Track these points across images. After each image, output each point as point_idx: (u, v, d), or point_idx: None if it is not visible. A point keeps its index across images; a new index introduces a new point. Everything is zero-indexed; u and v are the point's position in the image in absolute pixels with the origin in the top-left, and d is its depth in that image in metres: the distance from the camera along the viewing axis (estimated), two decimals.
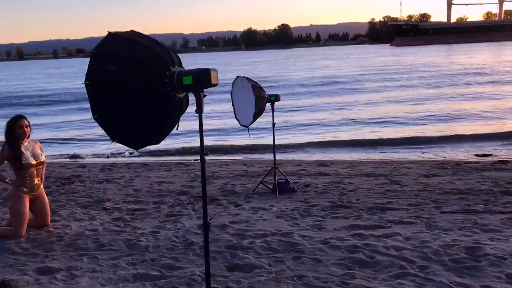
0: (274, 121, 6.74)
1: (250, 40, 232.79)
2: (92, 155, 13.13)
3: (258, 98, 6.24)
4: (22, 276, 3.88)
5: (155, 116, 2.67)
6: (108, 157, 12.71)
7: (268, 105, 6.56)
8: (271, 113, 6.68)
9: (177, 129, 3.12)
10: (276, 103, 6.59)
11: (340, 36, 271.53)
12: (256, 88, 6.28)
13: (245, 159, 11.38)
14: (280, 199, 6.30)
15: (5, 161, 4.89)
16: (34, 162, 4.93)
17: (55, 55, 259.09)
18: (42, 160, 5.03)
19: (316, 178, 7.97)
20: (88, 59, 2.65)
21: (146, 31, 2.81)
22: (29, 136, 4.94)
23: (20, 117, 4.90)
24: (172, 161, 11.17)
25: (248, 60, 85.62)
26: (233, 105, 6.68)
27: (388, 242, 4.34)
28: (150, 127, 2.71)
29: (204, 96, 2.66)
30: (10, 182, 4.91)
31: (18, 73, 75.21)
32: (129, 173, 9.05)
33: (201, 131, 2.69)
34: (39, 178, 5.05)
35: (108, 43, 2.65)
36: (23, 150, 4.88)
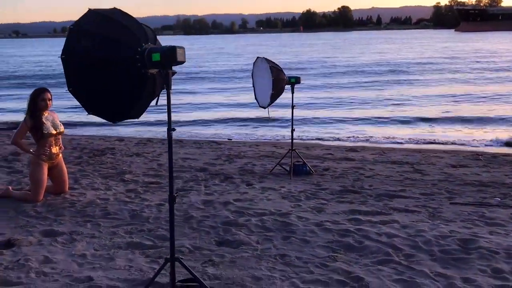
0: (294, 104, 6.74)
1: (309, 22, 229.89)
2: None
3: (276, 80, 6.26)
4: (27, 236, 4.18)
5: (127, 92, 2.78)
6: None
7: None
8: (291, 95, 6.68)
9: (156, 104, 3.24)
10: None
11: (402, 20, 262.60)
12: (275, 69, 6.30)
13: (277, 142, 11.41)
14: (293, 181, 6.34)
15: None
16: (54, 132, 5.22)
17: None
18: (61, 130, 5.33)
19: (339, 162, 7.92)
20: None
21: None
22: (50, 107, 5.24)
23: (44, 90, 5.19)
24: (206, 139, 11.39)
25: (305, 42, 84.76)
26: (253, 86, 6.74)
27: (382, 228, 4.31)
28: (123, 102, 2.83)
29: (173, 73, 2.74)
30: (33, 152, 5.23)
31: None
32: (160, 149, 9.32)
33: (169, 107, 2.78)
34: (57, 147, 5.35)
35: (86, 20, 2.79)
36: (44, 120, 5.17)
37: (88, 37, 2.72)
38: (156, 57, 2.66)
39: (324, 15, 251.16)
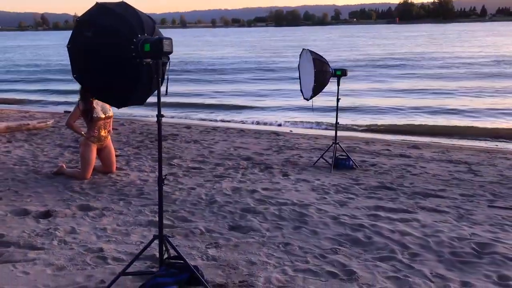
0: (339, 97, 6.68)
1: (405, 13, 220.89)
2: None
3: (318, 72, 6.26)
4: (65, 209, 4.63)
5: (124, 80, 3.02)
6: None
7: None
8: (337, 88, 6.63)
9: (166, 94, 3.46)
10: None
11: (511, 11, 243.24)
12: (318, 61, 6.29)
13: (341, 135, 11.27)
14: (332, 174, 6.32)
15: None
16: (103, 116, 5.67)
17: (213, 23, 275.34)
18: (110, 114, 5.77)
19: (391, 159, 7.72)
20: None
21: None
22: None
23: None
24: (269, 130, 11.57)
25: (402, 34, 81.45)
26: (299, 78, 6.79)
27: (399, 226, 4.22)
28: (123, 90, 3.08)
29: (164, 62, 2.93)
30: (84, 134, 5.72)
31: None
32: (220, 137, 9.65)
33: (158, 94, 2.97)
34: (106, 131, 5.80)
35: (91, 12, 3.06)
36: (94, 105, 5.64)
37: (90, 28, 2.98)
38: (147, 47, 2.86)
39: (422, 5, 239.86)
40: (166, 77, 3.43)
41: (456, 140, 10.94)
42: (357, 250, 3.79)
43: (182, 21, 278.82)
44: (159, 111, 3.02)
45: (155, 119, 2.98)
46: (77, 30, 3.03)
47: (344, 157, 6.84)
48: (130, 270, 3.15)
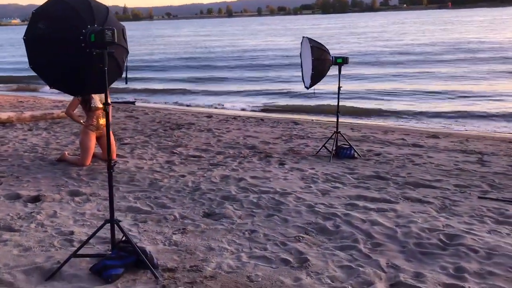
0: (341, 85, 6.59)
1: None
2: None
3: (316, 60, 6.20)
4: (54, 194, 4.84)
5: (76, 69, 3.13)
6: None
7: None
8: (338, 76, 6.54)
9: (126, 83, 3.57)
10: None
11: None
12: (316, 49, 6.22)
13: (355, 125, 11.12)
14: (331, 163, 6.26)
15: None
16: (100, 105, 5.86)
17: (259, 12, 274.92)
18: None
19: (401, 148, 7.55)
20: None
21: None
22: None
23: None
24: (289, 119, 11.54)
25: (455, 19, 78.21)
26: (301, 66, 6.74)
27: (372, 216, 4.16)
28: (76, 78, 3.19)
29: (125, 53, 3.04)
30: (83, 122, 5.94)
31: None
32: (235, 126, 9.72)
33: (105, 84, 3.06)
34: (105, 119, 5.98)
35: (46, 4, 3.17)
36: (92, 95, 5.83)
37: (43, 20, 3.10)
38: (92, 38, 2.96)
39: None
40: (125, 66, 3.53)
41: None
42: (322, 238, 3.77)
43: (228, 10, 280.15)
44: (106, 99, 3.11)
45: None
46: (32, 22, 3.15)
47: (346, 146, 6.75)
48: (87, 253, 3.29)
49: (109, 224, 3.25)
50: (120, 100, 15.23)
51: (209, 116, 11.58)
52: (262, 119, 11.13)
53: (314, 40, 6.33)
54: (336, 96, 6.74)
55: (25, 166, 5.95)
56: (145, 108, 13.29)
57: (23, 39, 3.16)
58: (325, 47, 6.40)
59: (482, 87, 15.84)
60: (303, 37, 6.54)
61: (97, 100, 5.85)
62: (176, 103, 15.54)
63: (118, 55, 3.30)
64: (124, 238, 3.30)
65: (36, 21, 3.13)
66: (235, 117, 11.49)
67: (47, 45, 3.12)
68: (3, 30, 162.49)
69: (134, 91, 18.43)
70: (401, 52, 28.01)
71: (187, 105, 14.88)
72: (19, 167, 5.89)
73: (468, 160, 6.63)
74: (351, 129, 9.94)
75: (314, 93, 6.82)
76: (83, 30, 3.02)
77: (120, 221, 3.32)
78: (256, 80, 20.72)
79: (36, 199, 4.71)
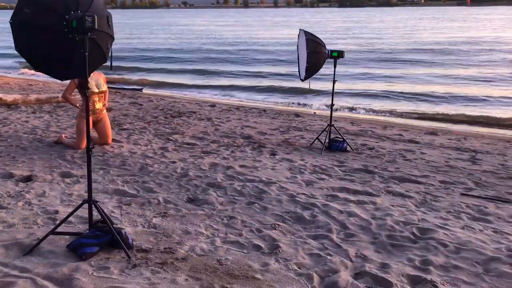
0: (336, 79, 6.64)
1: None
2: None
3: (311, 53, 6.25)
4: (46, 174, 4.99)
5: (61, 54, 3.24)
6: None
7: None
8: (333, 70, 6.59)
9: (111, 69, 3.68)
10: None
11: None
12: (311, 42, 6.28)
13: (355, 118, 11.14)
14: (322, 155, 6.33)
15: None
16: (96, 90, 5.99)
17: (275, 4, 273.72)
18: (103, 89, 6.08)
19: (396, 144, 7.59)
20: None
21: None
22: None
23: None
24: (291, 111, 11.59)
25: (477, 16, 76.87)
26: (298, 59, 6.80)
27: (350, 207, 4.24)
28: (60, 62, 3.30)
29: (109, 39, 3.15)
30: (79, 106, 6.07)
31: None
32: (236, 116, 9.81)
33: (85, 69, 3.17)
34: (101, 104, 6.12)
35: None
36: (88, 79, 5.94)
37: (29, 5, 3.21)
38: (74, 23, 3.07)
39: None
40: (110, 53, 3.64)
41: None
42: (297, 227, 3.86)
43: (245, 1, 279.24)
44: (86, 87, 3.23)
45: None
46: (18, 7, 3.26)
47: (339, 139, 6.81)
48: (68, 231, 3.43)
49: (87, 204, 3.36)
50: (127, 87, 15.39)
51: (213, 105, 11.67)
52: (264, 110, 11.19)
53: (310, 33, 6.38)
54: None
55: (23, 147, 6.11)
56: (150, 95, 13.42)
57: (10, 22, 3.27)
58: (320, 40, 6.44)
59: None
60: (299, 29, 6.59)
61: (93, 84, 5.97)
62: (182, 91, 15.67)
63: (101, 41, 3.41)
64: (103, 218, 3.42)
65: (22, 6, 3.24)
66: (238, 107, 11.57)
67: (32, 30, 3.23)
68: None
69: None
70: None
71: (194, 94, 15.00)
72: (17, 148, 6.06)
73: (460, 158, 6.66)
74: (351, 123, 9.97)
75: (309, 87, 6.86)
76: (66, 16, 3.13)
77: (97, 201, 3.44)
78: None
79: (28, 179, 4.86)
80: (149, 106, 10.51)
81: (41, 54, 3.30)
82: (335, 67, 6.59)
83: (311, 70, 6.37)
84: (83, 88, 5.78)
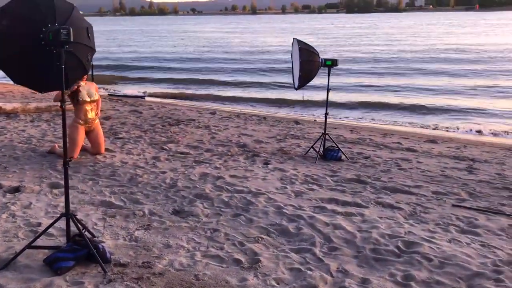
0: (329, 87, 6.58)
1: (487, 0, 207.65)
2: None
3: (304, 62, 6.21)
4: (35, 185, 4.98)
5: (39, 66, 3.23)
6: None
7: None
8: (327, 78, 6.54)
9: (92, 80, 3.65)
10: None
11: None
12: (305, 51, 6.24)
13: (354, 126, 11.07)
14: (316, 165, 6.28)
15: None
16: (88, 99, 5.99)
17: (283, 10, 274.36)
18: (95, 98, 6.07)
19: (393, 152, 7.51)
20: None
21: None
22: (85, 79, 6.00)
23: None
24: (291, 118, 11.54)
25: (487, 22, 76.12)
26: (292, 67, 6.76)
27: (337, 219, 4.17)
28: (40, 75, 3.29)
29: (90, 51, 3.13)
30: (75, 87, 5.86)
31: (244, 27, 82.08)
32: (235, 124, 9.77)
33: (62, 82, 3.15)
34: (93, 113, 6.11)
35: (11, 2, 3.27)
36: (80, 89, 5.96)
37: (8, 17, 3.20)
38: (50, 36, 3.05)
39: None
40: (91, 64, 3.62)
41: None
42: (281, 240, 3.81)
43: (253, 8, 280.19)
44: (62, 97, 3.21)
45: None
46: None
47: (334, 148, 6.75)
48: (48, 244, 3.40)
49: (65, 217, 3.34)
50: (130, 95, 15.42)
51: (213, 112, 11.65)
52: (264, 118, 11.16)
53: (303, 42, 6.34)
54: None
55: (16, 157, 6.12)
56: (152, 103, 13.44)
57: None
58: (314, 48, 6.40)
59: None
60: (293, 38, 6.56)
61: (85, 94, 5.97)
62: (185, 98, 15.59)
63: (80, 53, 3.39)
64: (83, 232, 3.39)
65: (0, 18, 3.24)
66: (238, 115, 11.55)
67: (10, 43, 3.22)
68: None
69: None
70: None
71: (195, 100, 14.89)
72: (10, 158, 6.06)
73: (457, 167, 6.56)
74: (351, 131, 9.91)
75: (303, 98, 6.82)
76: (43, 29, 3.12)
77: (75, 215, 3.41)
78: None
79: (16, 190, 4.85)
80: (149, 114, 10.51)
81: (20, 67, 3.28)
82: (329, 75, 6.55)
83: (305, 79, 6.32)
84: (75, 96, 5.82)
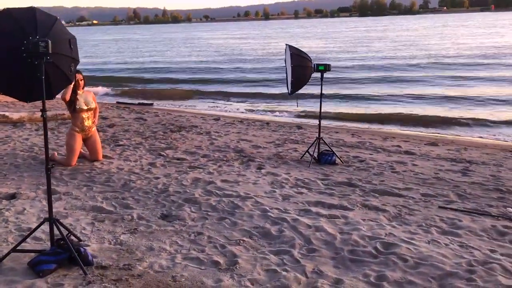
0: (323, 91, 6.66)
1: (502, 0, 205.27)
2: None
3: (296, 67, 6.30)
4: (31, 192, 5.13)
5: (22, 77, 3.37)
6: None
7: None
8: (320, 83, 6.61)
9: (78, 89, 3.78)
10: None
11: None
12: (296, 56, 6.33)
13: (357, 130, 11.09)
14: (309, 169, 6.34)
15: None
16: (85, 107, 6.15)
17: (295, 15, 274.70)
18: (92, 107, 6.23)
19: (390, 155, 7.54)
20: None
21: None
22: (83, 87, 6.16)
23: (77, 72, 6.12)
24: (294, 123, 11.60)
25: (503, 22, 75.00)
26: (285, 73, 6.85)
27: (320, 222, 4.24)
28: (23, 86, 3.43)
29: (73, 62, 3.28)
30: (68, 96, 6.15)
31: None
32: (236, 129, 9.88)
33: (42, 91, 3.29)
34: (90, 121, 6.27)
35: None
36: (78, 97, 6.12)
37: None
38: (31, 49, 3.20)
39: None
40: (74, 74, 3.76)
41: None
42: (262, 242, 3.89)
43: (265, 13, 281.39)
44: (43, 107, 3.34)
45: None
46: None
47: (329, 152, 6.81)
48: (35, 248, 3.53)
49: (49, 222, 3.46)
50: (137, 102, 15.64)
51: (217, 119, 11.78)
52: (267, 123, 11.26)
53: (295, 48, 6.43)
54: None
55: (16, 164, 6.29)
56: (158, 110, 13.63)
57: None
58: (306, 54, 6.49)
59: None
60: (286, 44, 6.65)
61: (82, 102, 6.13)
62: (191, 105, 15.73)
63: (62, 64, 3.53)
64: (68, 235, 3.52)
65: None
66: (241, 121, 11.66)
67: None
68: None
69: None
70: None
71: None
72: (10, 166, 6.24)
73: (452, 169, 6.57)
74: (352, 134, 9.95)
75: (297, 104, 6.90)
76: (25, 41, 3.26)
77: (58, 219, 3.53)
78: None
79: (12, 197, 5.00)
80: (153, 121, 10.67)
81: (3, 78, 3.43)
82: (322, 80, 6.62)
83: (297, 84, 6.41)
84: (72, 104, 5.98)
